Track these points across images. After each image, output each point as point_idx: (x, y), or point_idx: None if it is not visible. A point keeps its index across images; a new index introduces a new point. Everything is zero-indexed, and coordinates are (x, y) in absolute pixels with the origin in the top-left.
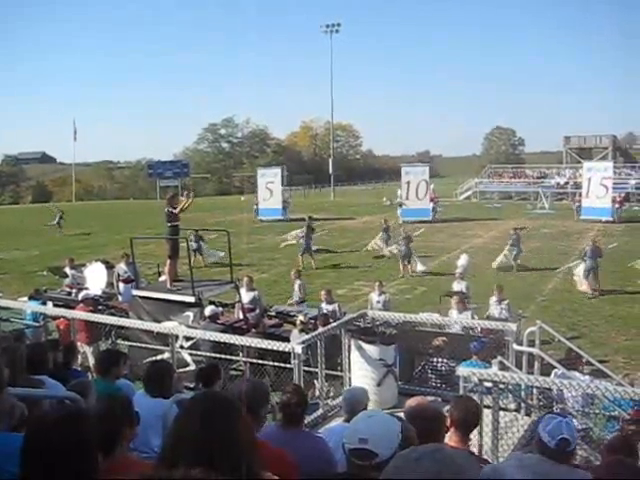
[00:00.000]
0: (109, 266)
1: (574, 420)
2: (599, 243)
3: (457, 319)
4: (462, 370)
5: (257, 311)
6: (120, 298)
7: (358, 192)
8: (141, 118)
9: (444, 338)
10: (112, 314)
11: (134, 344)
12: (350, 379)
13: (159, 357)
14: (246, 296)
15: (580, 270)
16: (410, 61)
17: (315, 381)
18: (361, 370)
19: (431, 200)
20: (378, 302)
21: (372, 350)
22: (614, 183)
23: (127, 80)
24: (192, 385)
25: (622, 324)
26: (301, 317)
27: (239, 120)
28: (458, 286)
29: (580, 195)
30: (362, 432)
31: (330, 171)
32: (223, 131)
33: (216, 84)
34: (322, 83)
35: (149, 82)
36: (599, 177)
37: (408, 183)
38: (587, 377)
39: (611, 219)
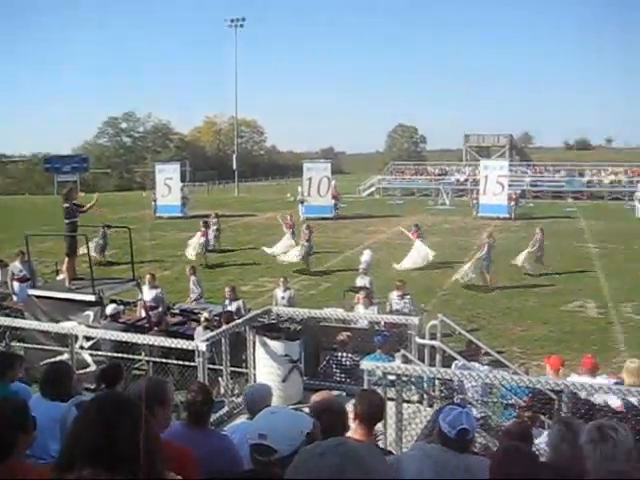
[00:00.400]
0: (3, 265)
1: (473, 409)
2: (494, 238)
3: (364, 314)
4: (366, 364)
5: (160, 309)
6: (15, 298)
7: (262, 188)
8: (37, 110)
9: (348, 333)
10: (7, 315)
11: (30, 346)
12: (255, 376)
13: (57, 358)
14: (148, 294)
15: (471, 266)
16: (314, 57)
17: (220, 379)
18: (266, 367)
19: (333, 197)
20: (283, 298)
21: (277, 346)
22: (510, 181)
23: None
24: (93, 386)
25: (518, 316)
26: (205, 314)
27: (141, 114)
28: (362, 281)
29: (478, 192)
30: (262, 428)
31: (234, 167)
32: (124, 125)
33: (117, 77)
34: (226, 78)
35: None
36: (495, 175)
37: (310, 179)
38: (486, 367)
39: (507, 216)
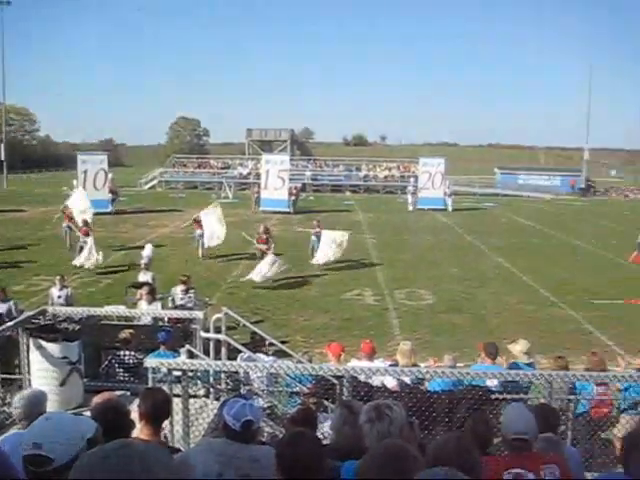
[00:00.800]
0: None
1: (260, 399)
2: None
3: (147, 310)
4: (150, 361)
5: None
6: None
7: (35, 180)
8: None
9: (131, 330)
10: None
11: None
12: (30, 381)
13: None
14: None
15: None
16: (93, 43)
17: None
18: (41, 371)
19: (110, 191)
20: (59, 297)
21: (54, 348)
22: (291, 175)
23: None
24: None
25: (300, 306)
26: None
27: None
28: (144, 277)
29: (259, 186)
30: (37, 437)
31: (2, 157)
32: None
33: None
34: None
35: None
36: (277, 169)
37: (85, 172)
38: (271, 358)
39: (288, 210)
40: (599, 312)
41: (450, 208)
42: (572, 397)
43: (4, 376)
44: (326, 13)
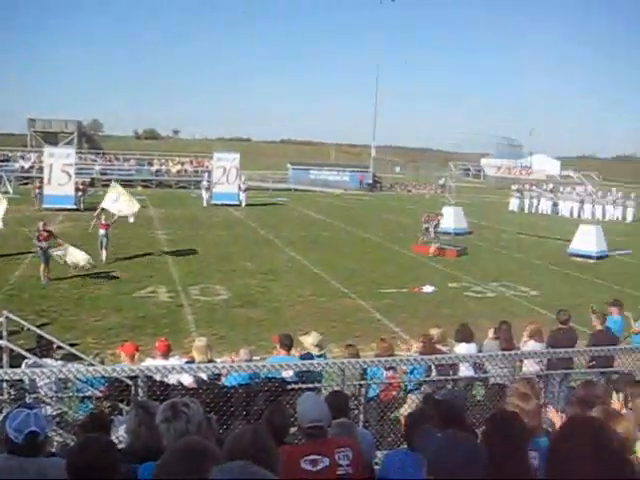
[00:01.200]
0: None
1: (48, 407)
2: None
3: None
4: None
5: None
6: None
7: None
8: None
9: None
10: None
11: None
12: None
13: None
14: None
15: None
16: None
17: None
18: None
19: None
20: None
21: None
22: (79, 169)
23: None
24: None
25: (91, 306)
26: None
27: None
28: None
29: (41, 181)
30: None
31: None
32: None
33: None
34: None
35: None
36: (61, 164)
37: None
38: (60, 362)
39: (75, 207)
40: (386, 301)
41: (244, 203)
42: (363, 382)
43: None
44: None
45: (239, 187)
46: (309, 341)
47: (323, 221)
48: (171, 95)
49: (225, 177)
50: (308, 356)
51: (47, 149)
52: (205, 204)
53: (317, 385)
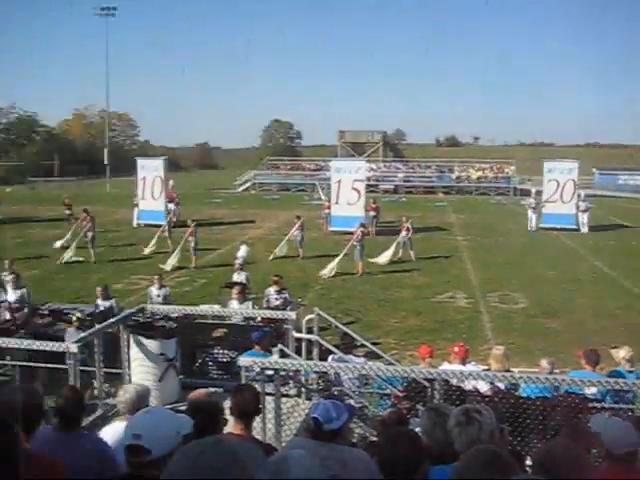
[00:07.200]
0: None
1: (351, 400)
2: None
3: (238, 309)
4: (243, 360)
5: (25, 310)
6: None
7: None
8: None
9: (224, 329)
10: None
11: None
12: (130, 376)
13: None
14: (13, 294)
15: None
16: (188, 49)
17: (94, 381)
18: (141, 366)
19: (170, 200)
20: (158, 296)
21: (152, 345)
22: (384, 177)
23: None
24: None
25: (392, 308)
26: (78, 314)
27: (3, 105)
28: (238, 277)
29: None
30: (137, 428)
31: (105, 161)
32: None
33: None
34: (97, 69)
35: None
36: (351, 180)
37: (144, 179)
38: (362, 359)
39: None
40: None
41: (585, 228)
42: None
43: (107, 370)
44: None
45: (577, 206)
46: (620, 355)
47: (632, 228)
48: (470, 105)
49: (558, 194)
50: (616, 373)
51: (333, 162)
52: (534, 227)
53: (622, 406)
